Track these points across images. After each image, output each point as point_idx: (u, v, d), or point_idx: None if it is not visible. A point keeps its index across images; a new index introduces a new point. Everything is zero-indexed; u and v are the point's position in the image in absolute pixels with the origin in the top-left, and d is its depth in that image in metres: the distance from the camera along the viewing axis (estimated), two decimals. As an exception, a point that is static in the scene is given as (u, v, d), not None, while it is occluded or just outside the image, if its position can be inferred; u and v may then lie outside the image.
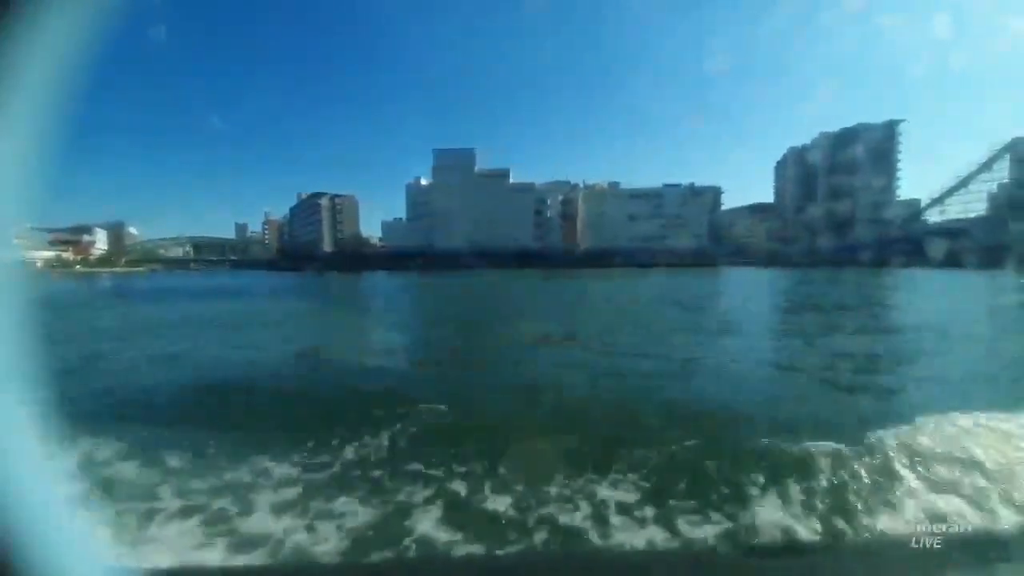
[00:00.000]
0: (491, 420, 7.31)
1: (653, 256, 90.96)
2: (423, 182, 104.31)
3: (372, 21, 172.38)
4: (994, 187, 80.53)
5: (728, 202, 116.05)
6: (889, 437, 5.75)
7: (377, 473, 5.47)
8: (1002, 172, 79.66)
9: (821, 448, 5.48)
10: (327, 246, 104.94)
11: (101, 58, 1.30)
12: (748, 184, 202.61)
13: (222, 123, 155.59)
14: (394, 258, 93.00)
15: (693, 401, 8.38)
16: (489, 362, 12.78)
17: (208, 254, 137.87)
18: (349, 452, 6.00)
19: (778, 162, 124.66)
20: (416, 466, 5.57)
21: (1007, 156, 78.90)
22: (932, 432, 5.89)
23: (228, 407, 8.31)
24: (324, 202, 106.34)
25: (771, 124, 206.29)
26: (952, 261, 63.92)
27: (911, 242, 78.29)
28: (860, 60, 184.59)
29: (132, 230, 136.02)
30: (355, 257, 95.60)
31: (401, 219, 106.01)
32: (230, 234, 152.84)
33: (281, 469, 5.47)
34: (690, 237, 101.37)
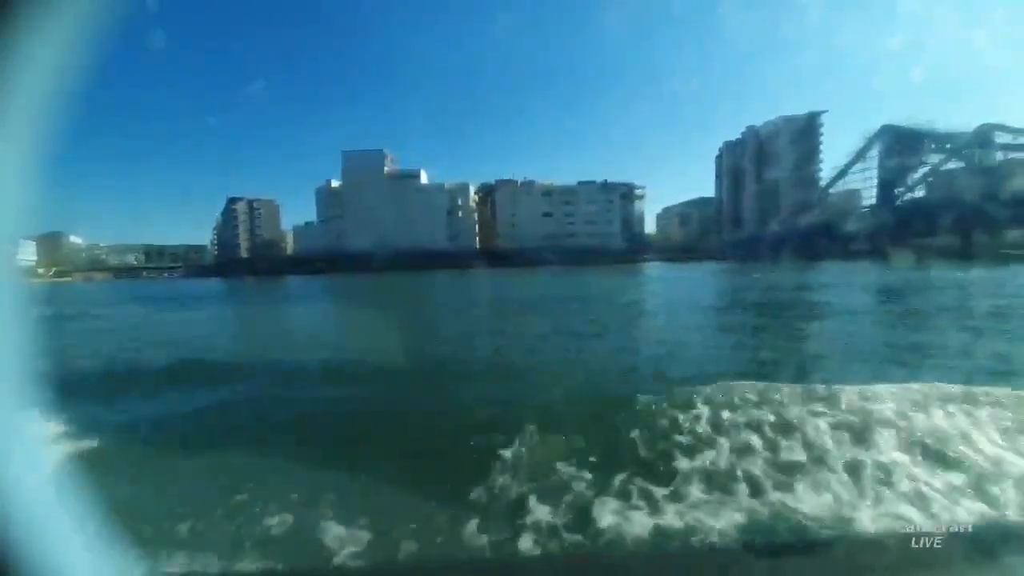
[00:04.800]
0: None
1: (565, 254, 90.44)
2: (334, 184, 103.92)
3: (372, 21, 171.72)
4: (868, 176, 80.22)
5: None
6: (884, 432, 5.63)
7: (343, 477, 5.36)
8: (874, 161, 78.96)
9: (816, 443, 5.44)
10: (243, 251, 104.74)
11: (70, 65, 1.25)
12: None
13: (203, 126, 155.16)
14: (304, 262, 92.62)
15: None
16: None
17: (162, 261, 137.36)
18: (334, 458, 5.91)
19: (716, 157, 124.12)
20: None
21: (877, 145, 78.18)
22: (929, 427, 5.74)
23: (227, 409, 8.44)
24: (240, 207, 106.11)
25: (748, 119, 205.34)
26: (860, 253, 63.10)
27: (825, 235, 77.61)
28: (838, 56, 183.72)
29: (75, 239, 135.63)
30: (268, 261, 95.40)
31: (313, 223, 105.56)
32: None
33: (282, 472, 5.45)
34: (603, 234, 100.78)
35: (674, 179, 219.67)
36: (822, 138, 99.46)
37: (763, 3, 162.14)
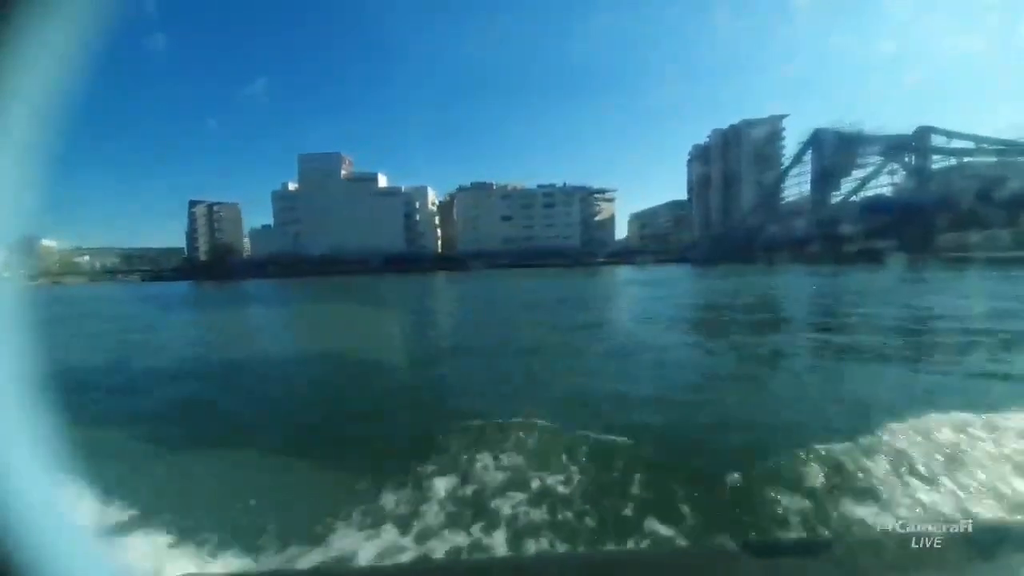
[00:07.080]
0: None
1: (521, 257, 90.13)
2: (291, 187, 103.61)
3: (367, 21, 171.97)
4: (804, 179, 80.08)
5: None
6: (883, 433, 5.50)
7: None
8: (808, 164, 78.77)
9: (813, 443, 5.31)
10: (202, 255, 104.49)
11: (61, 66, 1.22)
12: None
13: (189, 128, 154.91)
14: (259, 265, 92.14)
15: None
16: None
17: (139, 265, 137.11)
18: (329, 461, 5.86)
19: (687, 160, 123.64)
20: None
21: (810, 148, 77.76)
22: (928, 427, 5.59)
23: (231, 412, 8.48)
24: (199, 210, 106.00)
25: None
26: (814, 256, 62.35)
27: (777, 238, 77.02)
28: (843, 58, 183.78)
29: (49, 243, 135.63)
30: (224, 265, 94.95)
31: (270, 226, 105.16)
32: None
33: (278, 473, 5.44)
34: (562, 236, 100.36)
35: (662, 182, 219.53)
36: (784, 142, 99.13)
37: (750, 7, 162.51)
